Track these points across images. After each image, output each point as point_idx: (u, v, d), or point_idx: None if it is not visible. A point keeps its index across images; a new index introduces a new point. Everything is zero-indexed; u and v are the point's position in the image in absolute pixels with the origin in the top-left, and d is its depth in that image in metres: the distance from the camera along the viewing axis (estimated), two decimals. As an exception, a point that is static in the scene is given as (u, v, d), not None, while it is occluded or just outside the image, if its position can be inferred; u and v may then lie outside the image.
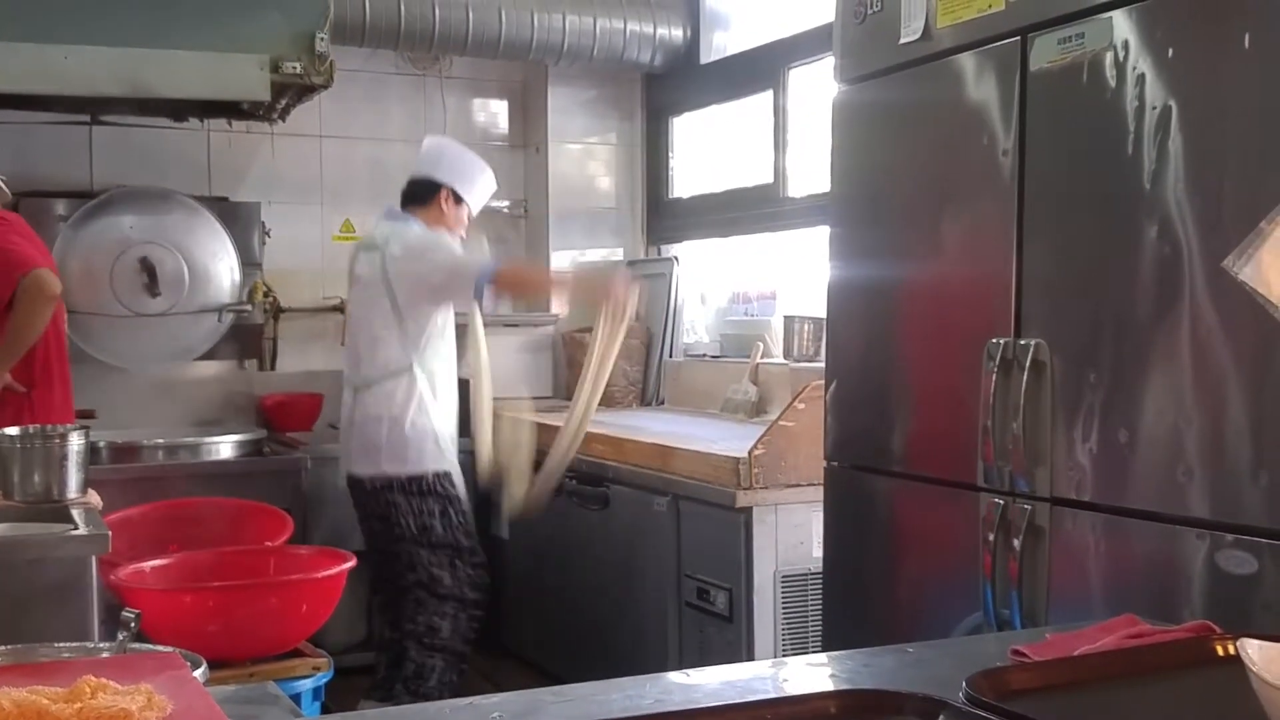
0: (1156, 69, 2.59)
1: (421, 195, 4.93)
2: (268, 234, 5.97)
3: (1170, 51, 2.57)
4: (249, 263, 5.82)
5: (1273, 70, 2.38)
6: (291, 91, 5.26)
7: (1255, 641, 1.45)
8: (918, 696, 1.55)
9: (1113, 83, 2.68)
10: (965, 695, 1.56)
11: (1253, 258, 1.98)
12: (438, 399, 4.81)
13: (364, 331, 4.86)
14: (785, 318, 5.43)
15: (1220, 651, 1.77)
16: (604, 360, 4.64)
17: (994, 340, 2.95)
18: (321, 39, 5.02)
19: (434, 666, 4.83)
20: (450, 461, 4.82)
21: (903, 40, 3.26)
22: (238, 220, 5.81)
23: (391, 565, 4.79)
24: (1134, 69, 2.63)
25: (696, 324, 6.43)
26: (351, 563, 3.83)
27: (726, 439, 4.59)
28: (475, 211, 5.05)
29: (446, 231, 4.90)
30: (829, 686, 1.74)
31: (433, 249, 4.77)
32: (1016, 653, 1.85)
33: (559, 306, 5.13)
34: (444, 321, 4.83)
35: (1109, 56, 2.69)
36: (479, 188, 5.02)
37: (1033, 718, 1.45)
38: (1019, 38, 2.91)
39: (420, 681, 4.82)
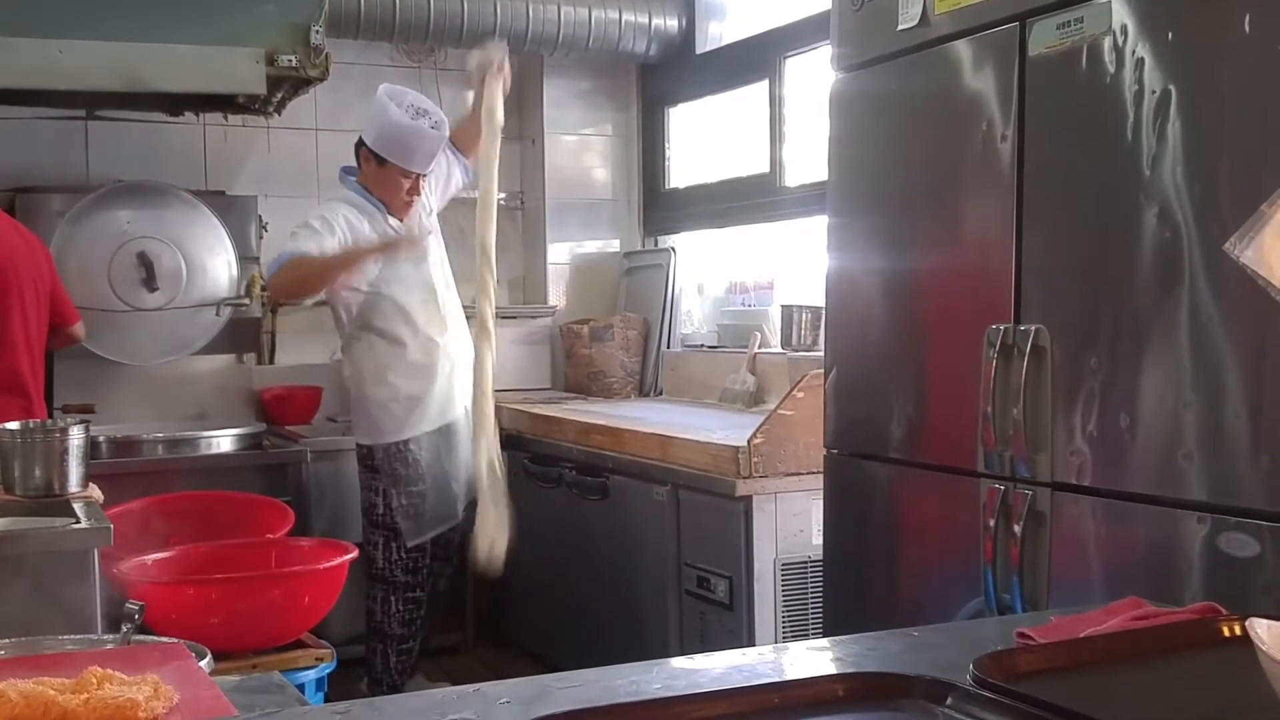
0: (1156, 53, 2.59)
1: (356, 156, 4.94)
2: (265, 227, 5.97)
3: (1169, 35, 2.58)
4: (246, 256, 5.81)
5: (1272, 53, 2.38)
6: (287, 84, 5.26)
7: (1264, 621, 1.45)
8: (925, 679, 1.55)
9: (1111, 67, 2.68)
10: (973, 677, 1.56)
11: (1254, 241, 1.98)
12: (382, 373, 4.82)
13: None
14: (783, 307, 5.43)
15: (1226, 632, 1.77)
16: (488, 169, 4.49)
17: (994, 326, 2.96)
18: (316, 31, 5.02)
19: (375, 649, 4.90)
20: (401, 434, 4.82)
21: (900, 27, 3.26)
22: (234, 214, 5.81)
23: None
24: (1133, 53, 2.63)
25: (694, 314, 6.43)
26: (353, 554, 3.83)
27: (725, 428, 4.59)
28: (414, 169, 4.79)
29: (380, 198, 4.81)
30: (835, 670, 1.74)
31: (301, 224, 4.76)
32: (1022, 635, 1.85)
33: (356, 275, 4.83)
34: (368, 298, 4.79)
35: (1108, 41, 2.69)
36: (399, 143, 4.75)
37: (1041, 699, 1.45)
38: (1017, 23, 2.91)
39: (370, 667, 4.89)
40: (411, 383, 4.84)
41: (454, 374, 4.90)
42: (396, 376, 4.82)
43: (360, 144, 4.88)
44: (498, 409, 5.67)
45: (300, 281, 4.71)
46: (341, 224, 4.72)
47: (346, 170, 5.00)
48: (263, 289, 5.87)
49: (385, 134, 4.77)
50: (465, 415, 4.85)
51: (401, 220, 4.88)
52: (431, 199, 5.05)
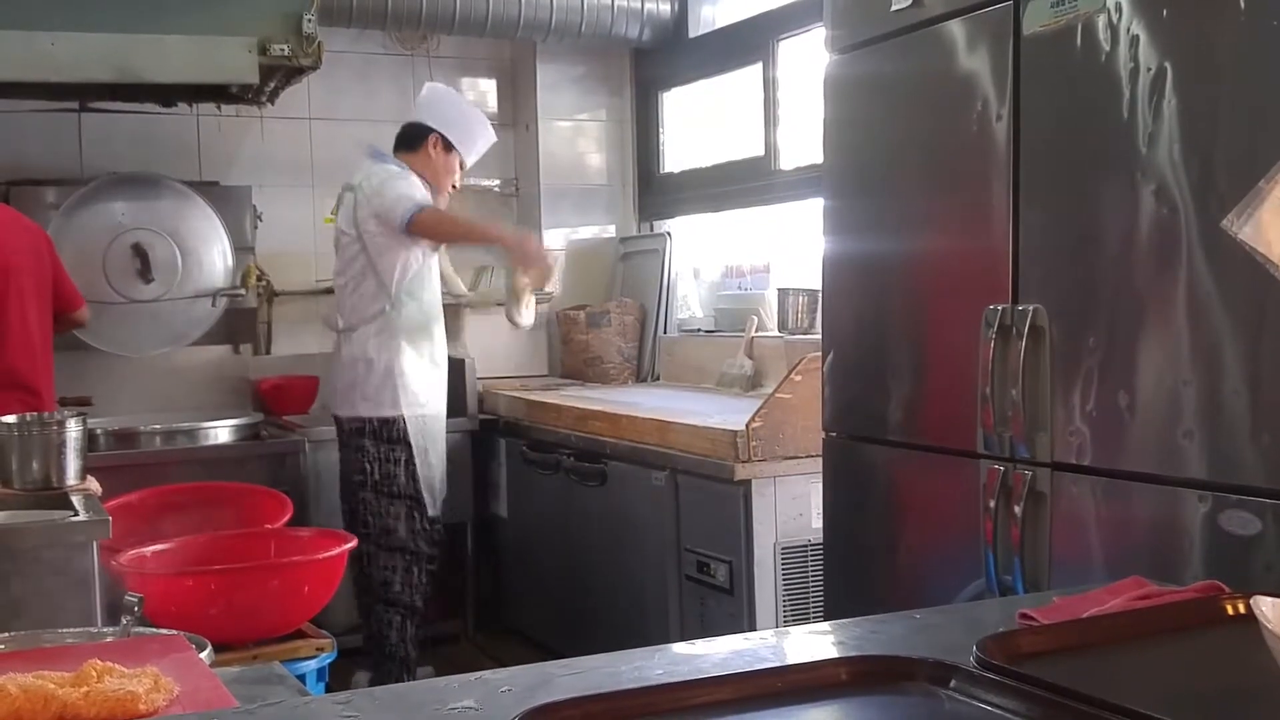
0: (1150, 30, 2.58)
1: (411, 140, 5.04)
2: (259, 217, 5.95)
3: (1164, 12, 2.56)
4: (241, 247, 5.80)
5: (1267, 28, 2.38)
6: (280, 74, 5.25)
7: (1268, 599, 1.45)
8: (929, 662, 1.55)
9: (1106, 45, 2.67)
10: (976, 659, 1.55)
11: (1252, 217, 1.97)
12: (416, 344, 4.89)
13: (344, 275, 4.99)
14: (779, 290, 5.43)
15: (1230, 611, 1.77)
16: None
17: (991, 307, 2.95)
18: (309, 20, 5.00)
19: (390, 620, 4.90)
20: (425, 408, 4.89)
21: (894, 8, 3.24)
22: (229, 204, 5.79)
23: (353, 522, 4.87)
24: (1128, 30, 2.62)
25: (690, 299, 6.43)
26: (352, 543, 3.84)
27: (723, 413, 4.59)
28: (469, 162, 5.11)
29: (431, 179, 4.97)
30: (838, 654, 1.74)
31: (389, 184, 4.83)
32: (1024, 616, 1.84)
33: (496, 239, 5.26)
34: (420, 266, 4.90)
35: (1102, 19, 2.68)
36: (470, 136, 5.08)
37: (1045, 680, 1.45)
38: (1011, 2, 2.89)
39: (383, 639, 4.89)
40: (439, 359, 4.99)
41: (443, 369, 5.07)
42: (432, 348, 4.95)
43: (424, 130, 5.01)
44: (495, 397, 5.71)
45: (443, 228, 5.00)
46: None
47: (379, 152, 5.06)
48: (261, 280, 5.87)
49: (459, 124, 5.06)
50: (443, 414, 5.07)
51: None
52: None
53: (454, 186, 5.11)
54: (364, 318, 4.89)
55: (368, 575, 4.88)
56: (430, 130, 5.00)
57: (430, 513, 4.94)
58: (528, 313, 5.01)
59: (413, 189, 4.84)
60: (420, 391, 4.89)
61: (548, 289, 4.96)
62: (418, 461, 4.87)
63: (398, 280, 4.84)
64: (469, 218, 5.10)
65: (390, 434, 4.86)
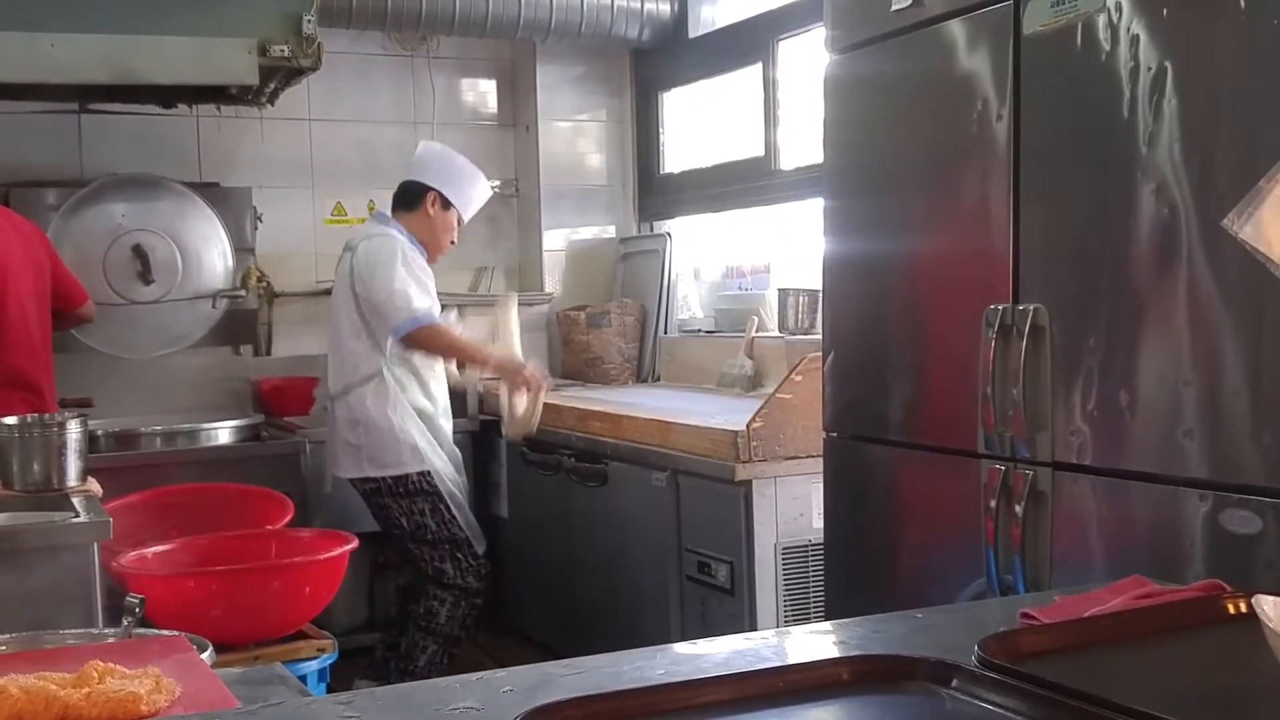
0: (1150, 30, 2.58)
1: (409, 199, 5.04)
2: (259, 219, 5.96)
3: (1164, 11, 2.56)
4: (241, 248, 5.81)
5: (1267, 28, 2.38)
6: (280, 75, 5.25)
7: (1270, 598, 1.45)
8: (930, 661, 1.55)
9: (1106, 45, 2.67)
10: (978, 659, 1.56)
11: (1253, 216, 1.97)
12: (413, 399, 4.90)
13: (336, 336, 4.99)
14: (779, 291, 5.42)
15: (1232, 609, 1.77)
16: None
17: (992, 306, 2.95)
18: (308, 21, 5.00)
19: (425, 648, 4.91)
20: (432, 462, 4.89)
21: (894, 7, 3.24)
22: (229, 205, 5.80)
23: (403, 553, 4.86)
24: (1128, 30, 2.62)
25: (690, 300, 6.42)
26: (353, 544, 3.83)
27: (724, 413, 4.59)
28: (466, 217, 5.12)
29: (429, 237, 4.99)
30: (839, 653, 1.74)
31: (380, 272, 4.81)
32: (1026, 616, 1.84)
33: (474, 371, 5.27)
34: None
35: (1102, 18, 2.68)
36: (467, 192, 5.09)
37: (1047, 679, 1.45)
38: (1011, 2, 2.89)
39: (410, 661, 4.90)
40: (440, 403, 5.00)
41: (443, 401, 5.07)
42: (413, 416, 4.90)
43: (422, 189, 5.00)
44: (495, 398, 5.71)
45: (436, 347, 4.97)
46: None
47: (382, 215, 5.12)
48: (262, 281, 5.87)
49: (456, 181, 5.05)
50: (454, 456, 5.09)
51: (433, 263, 5.07)
52: None
53: (452, 243, 5.12)
54: (357, 378, 4.87)
55: (416, 603, 4.95)
56: (428, 189, 4.99)
57: (480, 548, 4.99)
58: (519, 425, 5.02)
59: (408, 289, 4.78)
60: (428, 446, 4.89)
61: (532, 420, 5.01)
62: (443, 506, 4.89)
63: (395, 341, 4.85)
64: (465, 340, 5.08)
65: (408, 489, 4.86)
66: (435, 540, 4.89)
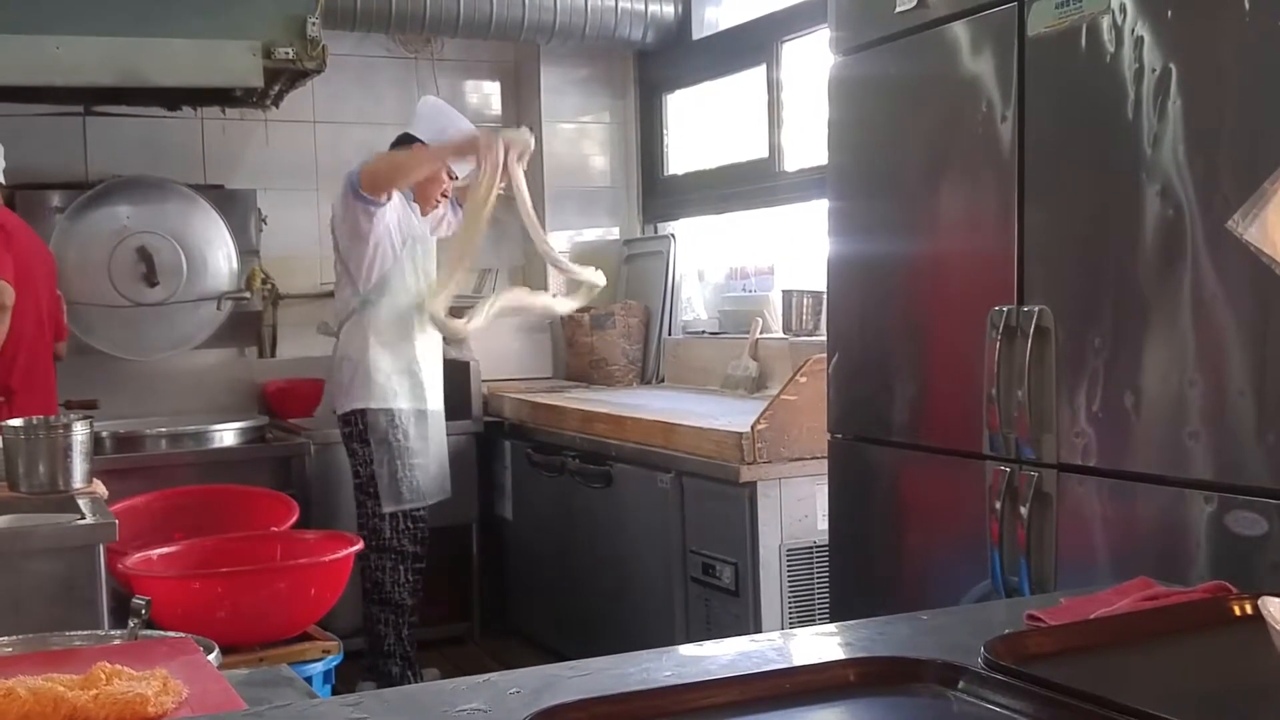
0: (1155, 31, 2.58)
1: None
2: (264, 221, 5.96)
3: (1169, 13, 2.56)
4: (246, 250, 5.81)
5: (1271, 29, 2.37)
6: (284, 77, 5.26)
7: (1276, 600, 1.45)
8: (936, 663, 1.55)
9: (1111, 46, 2.67)
10: (984, 660, 1.56)
11: (1258, 217, 1.98)
12: (389, 342, 4.88)
13: (334, 277, 5.06)
14: (784, 292, 5.42)
15: (1238, 611, 1.77)
16: (475, 218, 4.72)
17: (997, 308, 2.95)
18: (313, 23, 5.01)
19: (384, 619, 4.90)
20: (396, 400, 4.86)
21: (898, 9, 3.24)
22: (234, 208, 5.80)
23: (357, 525, 4.92)
24: (1132, 31, 2.62)
25: (694, 301, 6.42)
26: (358, 546, 3.84)
27: (728, 414, 4.59)
28: (459, 174, 5.07)
29: (417, 189, 4.98)
30: (845, 655, 1.74)
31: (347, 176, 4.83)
32: (1032, 618, 1.84)
33: (455, 165, 5.12)
34: (392, 265, 4.89)
35: (1106, 20, 2.68)
36: (446, 133, 5.00)
37: (1053, 681, 1.45)
38: (1015, 3, 2.89)
39: (377, 639, 4.89)
40: (409, 356, 4.93)
41: (428, 367, 5.00)
42: (410, 348, 4.91)
43: (409, 140, 4.98)
44: (499, 399, 5.71)
45: (395, 167, 4.89)
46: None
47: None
48: (266, 283, 5.88)
49: (445, 133, 4.96)
50: (439, 412, 5.04)
51: (424, 215, 5.08)
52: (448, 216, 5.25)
53: (444, 194, 5.08)
54: (344, 314, 4.94)
55: (363, 576, 4.89)
56: (414, 140, 4.98)
57: (409, 508, 4.90)
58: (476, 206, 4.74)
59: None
60: (388, 385, 4.84)
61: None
62: (400, 463, 4.85)
63: (365, 278, 4.85)
64: (408, 153, 4.93)
65: (365, 430, 4.85)
66: (379, 495, 4.87)
